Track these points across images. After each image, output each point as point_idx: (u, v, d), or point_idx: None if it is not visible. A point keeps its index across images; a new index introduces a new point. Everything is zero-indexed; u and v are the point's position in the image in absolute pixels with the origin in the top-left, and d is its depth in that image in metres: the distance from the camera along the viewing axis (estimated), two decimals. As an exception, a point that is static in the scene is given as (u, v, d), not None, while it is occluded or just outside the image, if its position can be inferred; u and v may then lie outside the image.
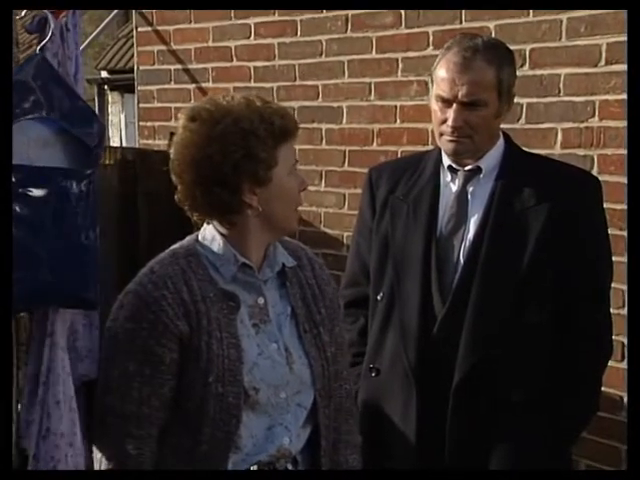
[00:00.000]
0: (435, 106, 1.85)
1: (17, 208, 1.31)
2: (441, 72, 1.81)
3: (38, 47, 1.34)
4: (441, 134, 1.85)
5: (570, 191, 1.84)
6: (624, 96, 2.48)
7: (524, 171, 1.87)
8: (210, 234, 1.58)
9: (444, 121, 1.82)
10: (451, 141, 1.83)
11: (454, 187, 1.90)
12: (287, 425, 1.56)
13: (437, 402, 1.82)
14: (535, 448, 1.81)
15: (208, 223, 1.59)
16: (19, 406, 1.55)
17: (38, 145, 1.33)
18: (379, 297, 1.93)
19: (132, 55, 4.59)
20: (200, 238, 1.59)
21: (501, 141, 1.91)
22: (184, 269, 1.54)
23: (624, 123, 2.47)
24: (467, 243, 1.85)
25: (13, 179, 1.29)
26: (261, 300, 1.58)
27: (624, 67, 2.47)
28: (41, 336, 1.50)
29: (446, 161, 1.91)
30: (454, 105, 1.79)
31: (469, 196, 1.88)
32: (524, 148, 2.01)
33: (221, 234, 1.56)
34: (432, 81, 1.86)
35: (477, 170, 1.88)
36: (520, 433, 1.80)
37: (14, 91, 1.26)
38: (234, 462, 1.52)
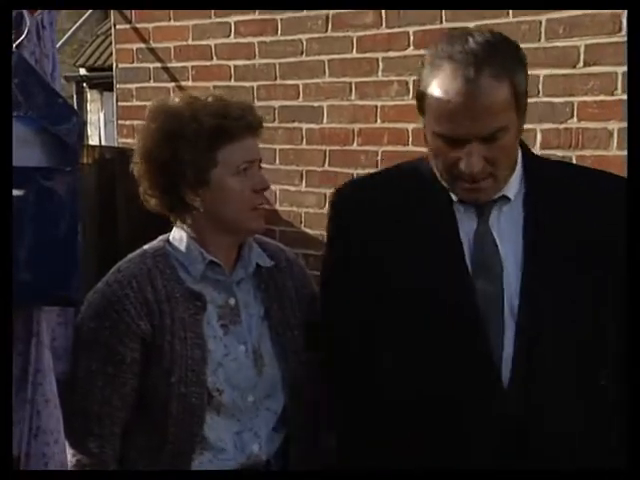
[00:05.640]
0: (434, 143, 1.38)
1: None
2: (438, 102, 1.34)
3: (14, 45, 1.33)
4: (452, 179, 1.40)
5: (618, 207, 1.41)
6: (602, 97, 2.50)
7: (557, 189, 1.44)
8: (178, 234, 1.58)
9: (454, 163, 1.37)
10: (471, 190, 1.39)
11: (470, 221, 1.43)
12: (257, 431, 1.55)
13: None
14: None
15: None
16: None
17: (17, 144, 1.31)
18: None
19: (111, 52, 4.55)
20: (170, 238, 1.59)
21: (518, 154, 1.46)
22: (150, 268, 1.54)
23: (602, 124, 2.49)
24: (510, 296, 1.40)
25: None
26: (232, 301, 1.57)
27: (602, 69, 2.49)
28: (26, 336, 1.49)
29: (454, 196, 1.44)
30: (467, 145, 1.34)
31: (495, 236, 1.42)
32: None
33: (187, 233, 1.57)
34: (421, 105, 1.39)
35: (501, 199, 1.44)
36: None
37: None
38: (200, 463, 1.52)
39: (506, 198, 1.43)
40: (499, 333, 1.39)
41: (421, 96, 1.38)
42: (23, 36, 1.33)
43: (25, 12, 1.33)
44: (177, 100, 1.56)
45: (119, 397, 1.52)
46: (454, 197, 1.43)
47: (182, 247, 1.56)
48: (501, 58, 1.35)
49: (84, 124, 1.44)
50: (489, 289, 1.40)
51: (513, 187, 1.44)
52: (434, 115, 1.36)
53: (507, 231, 1.42)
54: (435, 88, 1.34)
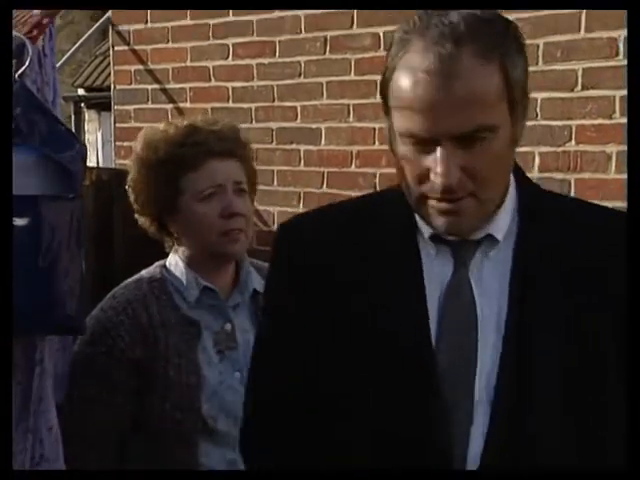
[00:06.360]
0: (400, 149, 1.02)
1: None
2: (403, 88, 0.99)
3: (17, 74, 1.34)
4: (422, 197, 1.02)
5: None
6: (600, 121, 2.51)
7: (557, 231, 1.06)
8: (174, 259, 1.60)
9: (424, 175, 1.01)
10: (447, 213, 1.01)
11: (444, 268, 1.06)
12: None
13: None
14: None
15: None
16: None
17: (19, 173, 1.32)
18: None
19: (109, 73, 4.57)
20: (167, 264, 1.61)
21: (510, 180, 1.08)
22: (145, 294, 1.55)
23: (601, 148, 2.50)
24: (485, 376, 1.02)
25: None
26: (228, 326, 1.57)
27: (600, 92, 2.50)
28: (29, 364, 1.48)
29: (426, 229, 1.07)
30: (439, 148, 0.98)
31: (474, 287, 1.05)
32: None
33: (181, 259, 1.58)
34: (385, 98, 1.03)
35: (486, 239, 1.06)
36: None
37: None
38: None
39: (493, 239, 1.05)
40: (465, 426, 1.01)
41: (384, 85, 1.02)
42: (25, 66, 1.33)
43: (27, 41, 1.33)
44: (161, 127, 1.62)
45: (114, 423, 1.52)
46: (426, 232, 1.06)
47: (177, 273, 1.58)
48: (490, 33, 0.98)
49: (86, 150, 1.46)
50: (457, 367, 1.01)
51: (502, 224, 1.06)
52: (399, 107, 1.00)
53: (490, 284, 1.04)
54: (400, 70, 0.99)
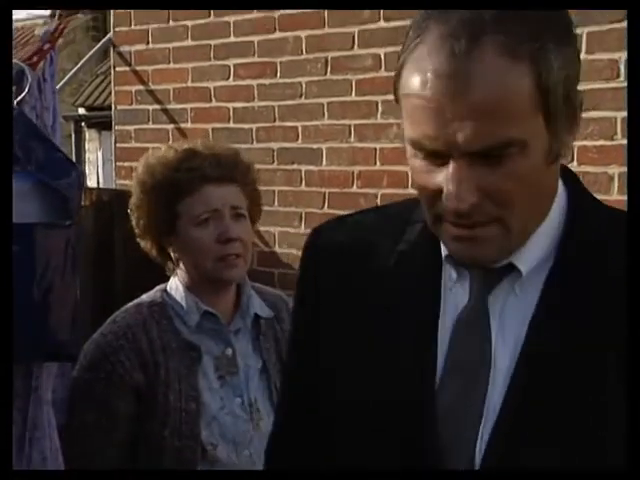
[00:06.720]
0: (412, 161, 0.85)
1: None
2: (412, 91, 0.82)
3: (15, 101, 1.33)
4: (436, 217, 0.85)
5: None
6: (602, 142, 2.50)
7: (604, 266, 0.86)
8: (174, 283, 1.59)
9: (437, 193, 0.83)
10: (462, 239, 0.84)
11: (463, 295, 0.90)
12: None
13: None
14: None
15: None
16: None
17: (15, 200, 1.31)
18: None
19: (110, 92, 4.58)
20: (167, 288, 1.60)
21: (560, 192, 0.89)
22: (146, 319, 1.54)
23: (603, 169, 2.50)
24: (491, 413, 0.87)
25: None
26: (229, 351, 1.55)
27: (601, 114, 2.50)
28: (25, 392, 1.47)
29: (443, 248, 0.90)
30: (452, 164, 0.81)
31: (492, 320, 0.88)
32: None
33: (182, 283, 1.58)
34: (398, 99, 0.86)
35: (509, 269, 0.88)
36: None
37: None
38: None
39: (517, 270, 0.87)
40: (466, 458, 0.86)
41: (395, 79, 0.85)
42: (24, 93, 1.33)
43: (26, 68, 1.33)
44: (162, 151, 1.63)
45: (114, 449, 1.50)
46: (443, 251, 0.90)
47: (178, 297, 1.57)
48: (522, 23, 0.78)
49: (84, 177, 1.45)
50: (462, 411, 0.87)
51: (530, 254, 0.86)
52: (407, 113, 0.83)
53: (511, 320, 0.87)
54: (410, 65, 0.82)
